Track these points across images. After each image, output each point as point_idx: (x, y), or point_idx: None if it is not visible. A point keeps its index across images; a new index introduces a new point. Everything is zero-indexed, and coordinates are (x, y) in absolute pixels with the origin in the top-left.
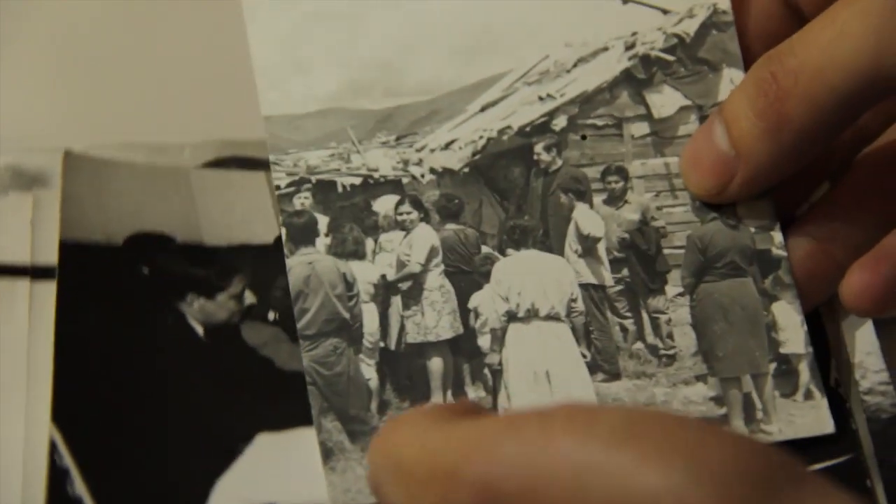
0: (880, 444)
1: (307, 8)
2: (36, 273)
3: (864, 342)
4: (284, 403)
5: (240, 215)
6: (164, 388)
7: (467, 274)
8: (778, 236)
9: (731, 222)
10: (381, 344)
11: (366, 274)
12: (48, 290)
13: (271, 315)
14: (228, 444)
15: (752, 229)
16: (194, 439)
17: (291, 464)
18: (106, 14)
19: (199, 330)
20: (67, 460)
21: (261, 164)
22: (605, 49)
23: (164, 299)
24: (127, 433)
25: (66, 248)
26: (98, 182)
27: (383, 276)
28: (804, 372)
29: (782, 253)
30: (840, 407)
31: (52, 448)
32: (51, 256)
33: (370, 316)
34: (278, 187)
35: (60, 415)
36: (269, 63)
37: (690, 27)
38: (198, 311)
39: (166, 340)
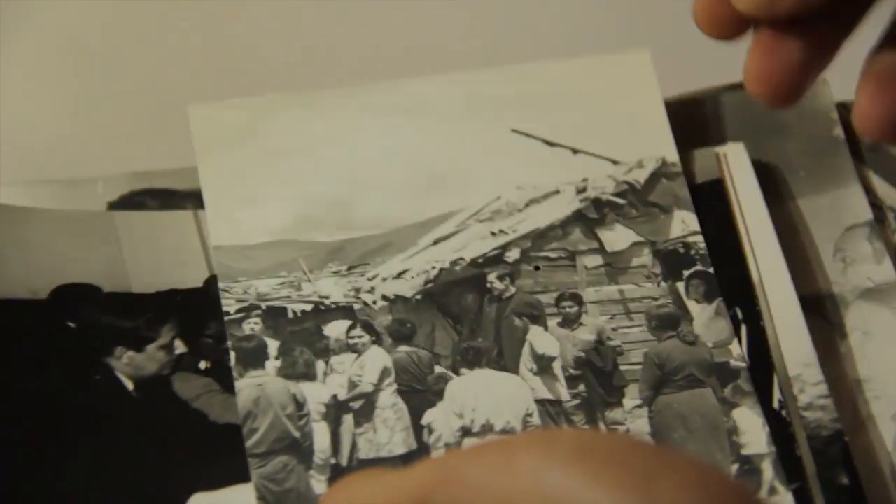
0: (822, 464)
1: (260, 145)
2: None
3: (800, 353)
4: (219, 460)
5: (167, 259)
6: (98, 452)
7: (420, 392)
8: (736, 349)
9: (688, 339)
10: (333, 460)
11: (317, 394)
12: None
13: (202, 364)
14: None
15: (710, 344)
16: (129, 502)
17: None
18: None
19: (129, 385)
20: None
21: (182, 200)
22: (557, 192)
23: (92, 354)
24: (59, 500)
25: None
26: (20, 235)
27: (335, 396)
28: (767, 469)
29: (741, 364)
30: (784, 431)
31: None
32: None
33: (321, 434)
34: (227, 313)
35: None
36: (218, 195)
37: (640, 176)
38: (127, 366)
39: (97, 399)
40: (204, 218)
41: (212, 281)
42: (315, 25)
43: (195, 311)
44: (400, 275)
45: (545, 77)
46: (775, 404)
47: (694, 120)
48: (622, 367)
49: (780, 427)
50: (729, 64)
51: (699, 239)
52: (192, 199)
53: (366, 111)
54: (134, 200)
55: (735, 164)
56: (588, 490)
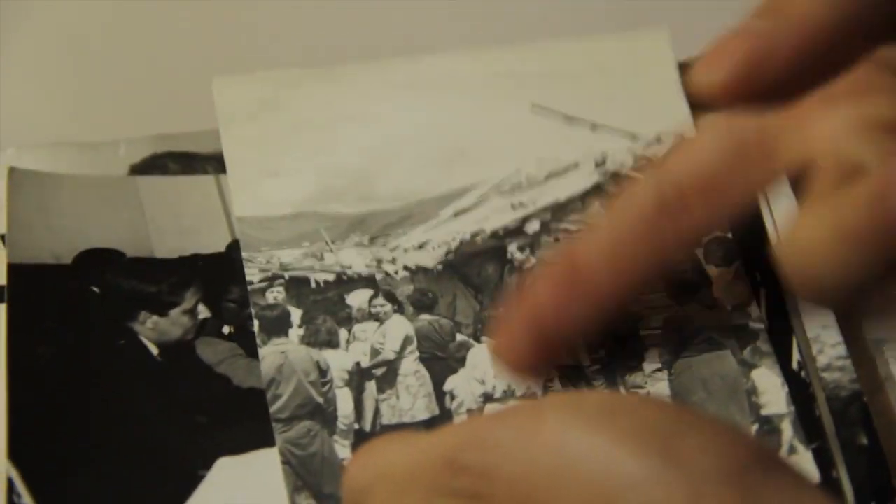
0: (841, 424)
1: (283, 118)
2: None
3: (819, 314)
4: (243, 424)
5: (190, 224)
6: (122, 416)
7: (442, 360)
8: (755, 311)
9: (707, 303)
10: (356, 426)
11: (340, 362)
12: None
13: (226, 329)
14: (189, 471)
15: (729, 307)
16: (155, 468)
17: (254, 488)
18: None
19: (154, 350)
20: (26, 499)
21: (204, 164)
22: (576, 165)
23: (116, 320)
24: (85, 465)
25: (14, 270)
26: (44, 200)
27: (357, 364)
28: (787, 429)
29: (759, 325)
30: (804, 392)
31: (10, 487)
32: None
33: (344, 400)
34: (251, 282)
35: (17, 452)
36: (241, 166)
37: (659, 151)
38: (151, 330)
39: (121, 364)
40: (226, 183)
41: (234, 246)
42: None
43: (218, 275)
44: (421, 246)
45: (564, 54)
46: (794, 365)
47: None
48: (642, 333)
49: (799, 388)
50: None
51: None
52: (213, 163)
53: (387, 86)
54: (156, 163)
55: None
56: (612, 450)
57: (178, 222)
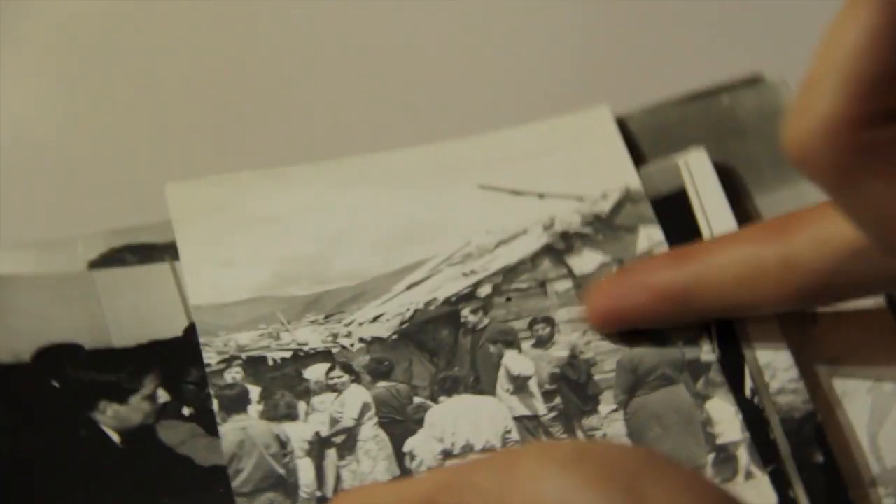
0: (797, 443)
1: (236, 216)
2: None
3: (770, 341)
4: (206, 501)
5: (147, 312)
6: (87, 501)
7: (400, 422)
8: (706, 343)
9: (658, 342)
10: (318, 493)
11: (300, 433)
12: None
13: (186, 410)
14: None
15: (681, 342)
16: None
17: None
18: None
19: (115, 437)
20: None
21: (161, 253)
22: (525, 232)
23: (76, 411)
24: None
25: None
26: (2, 301)
27: (317, 433)
28: (742, 456)
29: (711, 357)
30: (757, 417)
31: None
32: None
33: (306, 469)
34: (209, 365)
35: None
36: (196, 259)
37: (605, 206)
38: (111, 418)
39: (83, 453)
40: (181, 269)
41: (191, 329)
42: (288, 103)
43: (176, 359)
44: (376, 318)
45: (509, 140)
46: (747, 392)
47: (657, 130)
48: (596, 377)
49: (753, 414)
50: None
51: (664, 248)
52: (170, 251)
53: (337, 183)
54: (114, 257)
55: (697, 170)
56: (581, 493)
57: (135, 311)
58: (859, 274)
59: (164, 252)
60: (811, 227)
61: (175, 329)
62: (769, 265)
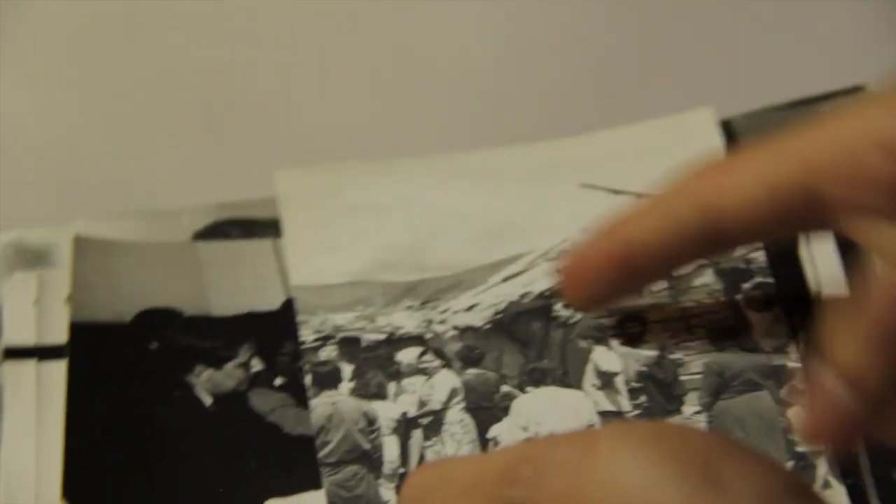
0: (876, 459)
1: (340, 203)
2: (42, 353)
3: None
4: (292, 469)
5: (246, 284)
6: (175, 462)
7: (487, 409)
8: (793, 352)
9: (747, 347)
10: (402, 470)
11: (388, 412)
12: (55, 370)
13: (278, 381)
14: None
15: (769, 349)
16: None
17: None
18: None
19: (208, 400)
20: None
21: (264, 229)
22: None
23: (172, 373)
24: None
25: (76, 328)
26: (107, 264)
27: (404, 413)
28: (821, 465)
29: (797, 366)
30: None
31: None
32: (56, 336)
33: (391, 446)
34: (304, 342)
35: (71, 493)
36: (299, 242)
37: None
38: (206, 382)
39: (175, 413)
40: (283, 247)
41: (288, 304)
42: (394, 99)
43: (272, 331)
44: (470, 308)
45: (612, 141)
46: None
47: (756, 135)
48: (682, 378)
49: None
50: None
51: (760, 254)
52: (272, 228)
53: (438, 176)
54: (218, 230)
55: None
56: (656, 470)
57: (235, 283)
58: None
59: (267, 228)
60: None
61: (272, 303)
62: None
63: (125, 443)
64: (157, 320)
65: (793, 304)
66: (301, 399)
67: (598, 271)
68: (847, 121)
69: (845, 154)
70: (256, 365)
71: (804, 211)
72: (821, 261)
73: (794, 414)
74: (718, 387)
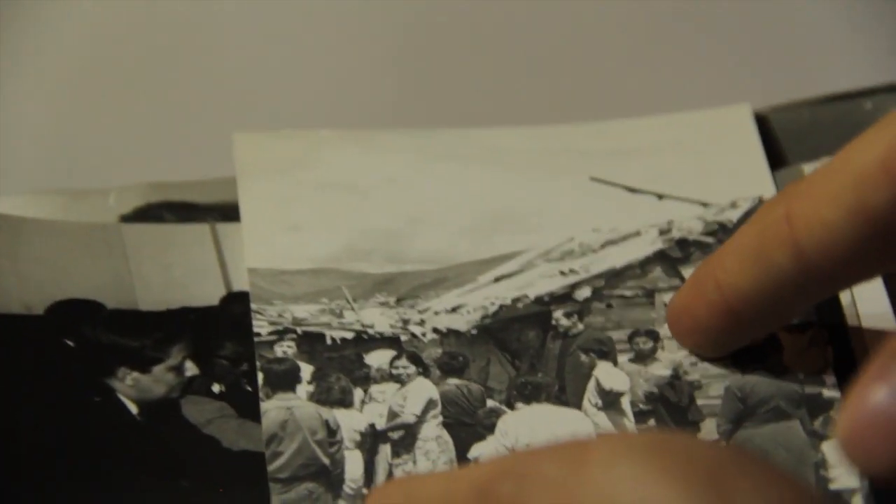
0: None
1: (309, 177)
2: None
3: None
4: (233, 490)
5: (180, 275)
6: (96, 479)
7: (468, 426)
8: (830, 378)
9: (776, 371)
10: (365, 490)
11: (352, 422)
12: None
13: (216, 387)
14: None
15: (801, 375)
16: None
17: None
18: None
19: (133, 408)
20: None
21: (202, 214)
22: (637, 234)
23: (91, 376)
24: None
25: None
26: (17, 246)
27: (372, 425)
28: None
29: (835, 394)
30: None
31: None
32: None
33: (354, 462)
34: (258, 334)
35: None
36: (259, 218)
37: (733, 215)
38: (130, 388)
39: (94, 423)
40: (223, 231)
41: (229, 299)
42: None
43: (209, 330)
44: (454, 309)
45: (631, 131)
46: None
47: (788, 134)
48: (699, 402)
49: None
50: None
51: None
52: (213, 214)
53: (427, 154)
54: (149, 213)
55: None
56: (659, 487)
57: (166, 273)
58: None
59: (207, 213)
60: None
61: (210, 297)
62: None
63: (33, 457)
64: (75, 314)
65: (832, 329)
66: (244, 410)
67: (700, 322)
68: None
69: None
70: (190, 369)
71: None
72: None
73: (831, 448)
74: (740, 414)
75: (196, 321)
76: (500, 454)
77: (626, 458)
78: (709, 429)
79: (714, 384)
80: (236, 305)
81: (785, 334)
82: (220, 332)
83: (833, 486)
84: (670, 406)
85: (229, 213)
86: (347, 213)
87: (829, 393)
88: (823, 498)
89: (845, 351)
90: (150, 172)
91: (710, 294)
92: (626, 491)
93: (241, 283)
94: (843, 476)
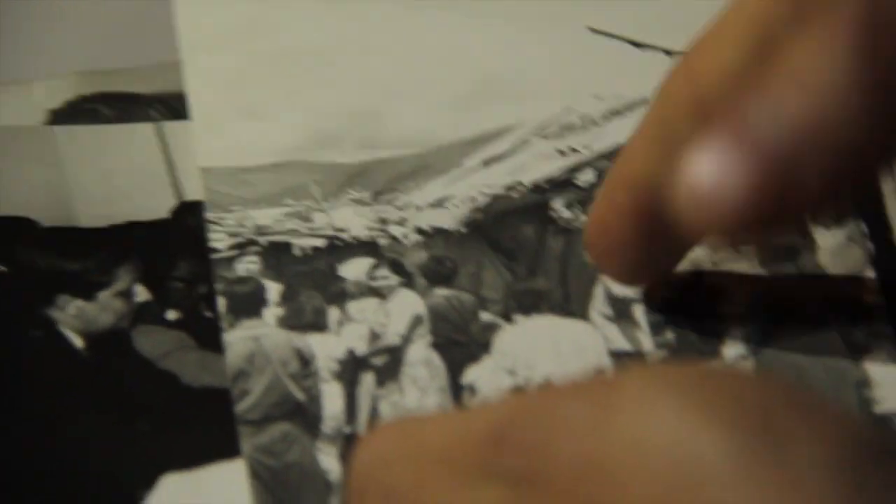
0: None
1: (265, 46)
2: None
3: None
4: (195, 432)
5: (123, 184)
6: (41, 422)
7: (461, 345)
8: (870, 280)
9: (810, 272)
10: (347, 429)
11: (328, 349)
12: None
13: (171, 314)
14: (126, 492)
15: (839, 277)
16: (82, 488)
17: None
18: None
19: (78, 342)
20: None
21: (144, 108)
22: (645, 102)
23: (28, 306)
24: None
25: None
26: None
27: (351, 351)
28: None
29: (878, 300)
30: None
31: None
32: None
33: (332, 397)
34: (216, 250)
35: None
36: (209, 106)
37: None
38: (74, 318)
39: (33, 360)
40: (170, 131)
41: (181, 210)
42: None
43: (161, 248)
44: (439, 202)
45: None
46: None
47: None
48: (724, 309)
49: None
50: None
51: None
52: (158, 106)
53: (398, 7)
54: (83, 108)
55: None
56: (702, 432)
57: (107, 182)
58: None
59: (150, 107)
60: None
61: (160, 209)
62: None
63: None
64: (4, 233)
65: (871, 224)
66: (204, 340)
67: (613, 237)
68: None
69: None
70: (141, 294)
71: None
72: None
73: (875, 363)
74: (769, 323)
75: (145, 238)
76: (510, 393)
77: (663, 400)
78: (734, 342)
79: (738, 289)
80: (190, 217)
81: (818, 230)
82: (172, 250)
83: (878, 409)
84: (691, 315)
85: (175, 105)
86: (311, 90)
87: (870, 299)
88: (882, 440)
89: (888, 247)
90: (81, 60)
91: (618, 197)
92: (661, 431)
93: (194, 192)
94: (889, 397)
